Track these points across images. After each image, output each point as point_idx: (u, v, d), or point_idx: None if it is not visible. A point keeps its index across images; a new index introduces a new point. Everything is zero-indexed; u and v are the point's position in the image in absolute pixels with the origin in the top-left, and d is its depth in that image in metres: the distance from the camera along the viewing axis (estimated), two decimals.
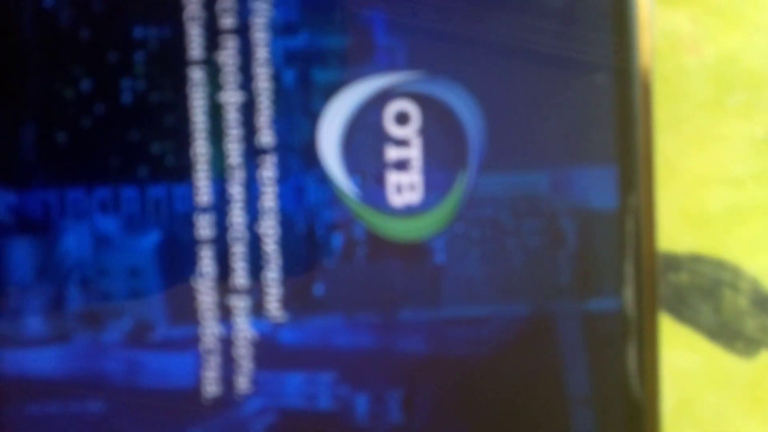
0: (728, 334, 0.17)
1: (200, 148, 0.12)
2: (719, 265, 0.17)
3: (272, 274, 0.13)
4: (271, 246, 0.13)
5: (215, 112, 0.12)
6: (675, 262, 0.16)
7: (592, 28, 0.13)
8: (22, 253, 0.12)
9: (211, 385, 0.13)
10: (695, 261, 0.16)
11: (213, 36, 0.12)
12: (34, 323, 0.12)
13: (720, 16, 0.16)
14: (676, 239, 0.16)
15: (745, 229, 0.16)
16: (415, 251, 0.13)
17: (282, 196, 0.13)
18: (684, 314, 0.16)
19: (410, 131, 0.13)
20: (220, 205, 0.13)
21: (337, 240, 0.13)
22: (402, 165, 0.13)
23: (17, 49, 0.12)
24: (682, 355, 0.16)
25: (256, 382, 0.13)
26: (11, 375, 0.12)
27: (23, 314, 0.12)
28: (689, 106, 0.16)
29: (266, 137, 0.13)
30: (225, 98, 0.12)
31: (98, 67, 0.12)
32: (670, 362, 0.16)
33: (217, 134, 0.12)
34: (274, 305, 0.13)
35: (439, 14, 0.13)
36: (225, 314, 0.13)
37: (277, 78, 0.13)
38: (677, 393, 0.16)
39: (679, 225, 0.16)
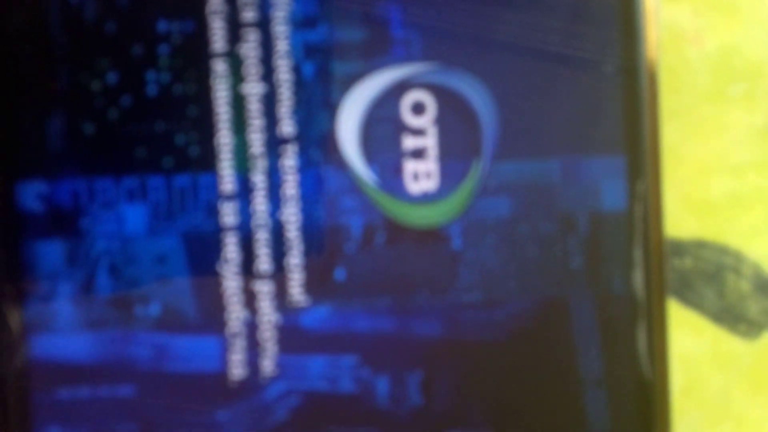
0: (732, 318, 0.17)
1: (224, 139, 0.13)
2: (722, 250, 0.17)
3: (295, 260, 0.13)
4: (293, 233, 0.13)
5: (238, 103, 0.13)
6: (680, 248, 0.17)
7: (600, 22, 0.14)
8: (51, 241, 0.12)
9: (236, 369, 0.13)
10: (699, 247, 0.17)
11: (235, 29, 0.13)
12: (65, 309, 0.13)
13: (721, 8, 0.17)
14: (681, 226, 0.17)
15: (746, 216, 0.17)
16: (431, 237, 0.13)
17: (303, 185, 0.13)
18: (689, 298, 0.17)
19: (426, 121, 0.13)
20: (244, 194, 0.13)
21: (357, 226, 0.13)
22: (418, 153, 0.13)
23: (45, 44, 0.12)
24: (688, 338, 0.17)
25: (280, 365, 0.13)
26: (43, 360, 0.13)
27: (54, 301, 0.13)
28: (692, 96, 0.17)
29: (287, 127, 0.13)
30: (247, 90, 0.13)
31: (124, 61, 0.13)
32: (676, 345, 0.17)
33: (239, 125, 0.13)
34: (296, 290, 0.13)
35: (453, 7, 0.13)
36: (249, 299, 0.13)
37: (297, 70, 0.13)
38: (683, 375, 0.17)
39: (683, 212, 0.17)
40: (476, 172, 0.13)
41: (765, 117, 0.17)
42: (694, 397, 0.17)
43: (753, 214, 0.17)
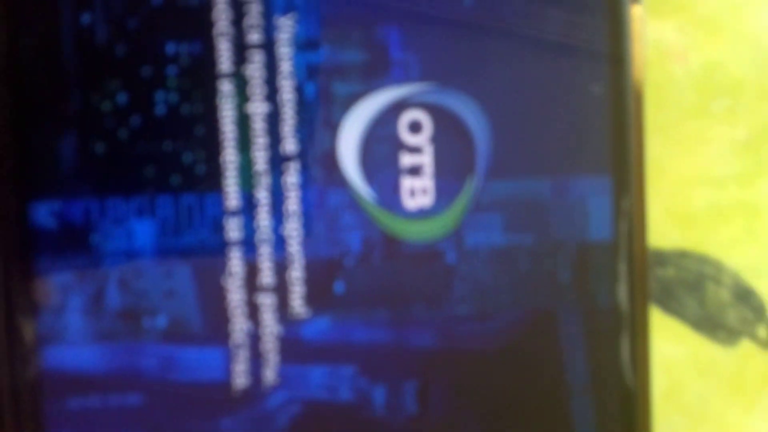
0: (711, 325, 0.18)
1: (229, 156, 0.13)
2: (703, 260, 0.18)
3: (296, 273, 0.14)
4: (295, 247, 0.14)
5: (243, 122, 0.13)
6: (662, 258, 0.18)
7: (588, 45, 0.14)
8: (63, 256, 0.13)
9: (240, 378, 0.14)
10: (681, 257, 0.18)
11: (240, 51, 0.13)
12: (76, 322, 0.13)
13: (704, 26, 0.17)
14: (663, 236, 0.18)
15: (727, 227, 0.18)
16: (427, 252, 0.14)
17: (305, 201, 0.14)
18: (671, 306, 0.18)
19: (422, 139, 0.14)
20: (248, 210, 0.13)
21: (356, 241, 0.14)
22: (415, 171, 0.14)
23: (58, 66, 0.13)
24: (669, 344, 0.18)
25: (281, 375, 0.14)
26: (55, 371, 0.13)
27: (65, 314, 0.13)
28: (676, 111, 0.17)
29: (290, 146, 0.13)
30: (252, 109, 0.13)
31: (133, 82, 0.13)
32: (658, 352, 0.17)
33: (244, 143, 0.13)
34: (297, 303, 0.14)
35: (450, 31, 0.14)
36: (252, 311, 0.14)
37: (299, 90, 0.13)
38: (665, 380, 0.17)
39: (666, 223, 0.18)
40: (470, 189, 0.14)
41: (746, 131, 0.18)
42: (675, 401, 0.18)
43: (733, 225, 0.18)
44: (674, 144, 0.17)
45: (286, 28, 0.13)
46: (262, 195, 0.13)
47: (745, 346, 0.18)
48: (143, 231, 0.13)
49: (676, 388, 0.17)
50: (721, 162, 0.18)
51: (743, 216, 0.18)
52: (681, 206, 0.18)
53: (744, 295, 0.18)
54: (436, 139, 0.14)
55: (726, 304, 0.18)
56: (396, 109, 0.14)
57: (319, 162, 0.14)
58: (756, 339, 0.18)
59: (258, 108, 0.13)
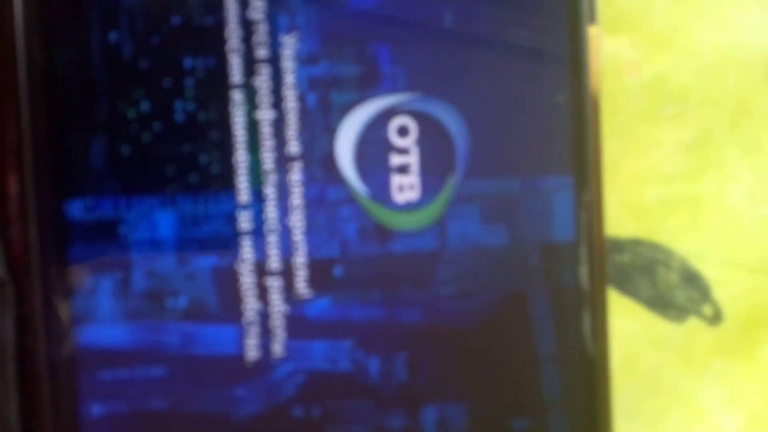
0: (662, 304, 0.20)
1: (240, 157, 0.15)
2: (654, 247, 0.20)
3: (300, 259, 0.15)
4: (299, 236, 0.15)
5: (252, 127, 0.15)
6: (619, 245, 0.20)
7: (553, 60, 0.16)
8: (95, 245, 0.15)
9: (251, 352, 0.15)
10: (635, 244, 0.20)
11: (250, 65, 0.15)
12: (106, 303, 0.15)
13: (655, 42, 0.20)
14: (620, 226, 0.20)
15: (675, 218, 0.20)
16: (413, 240, 0.16)
17: (307, 196, 0.15)
18: (626, 288, 0.20)
19: (410, 142, 0.16)
20: (257, 204, 0.15)
21: (352, 231, 0.16)
22: (403, 169, 0.16)
23: (88, 77, 0.14)
24: (625, 322, 0.20)
25: (288, 348, 0.16)
26: (88, 347, 0.15)
27: (97, 296, 0.15)
28: (629, 117, 0.20)
29: (294, 148, 0.15)
30: (260, 116, 0.15)
31: (155, 91, 0.15)
32: (615, 328, 0.19)
33: (254, 145, 0.15)
34: (302, 285, 0.15)
35: (432, 47, 0.16)
36: (262, 293, 0.15)
37: (302, 99, 0.15)
38: (621, 353, 0.20)
39: (622, 215, 0.20)
40: (451, 186, 0.16)
41: (691, 134, 0.20)
42: (630, 372, 0.20)
43: (680, 216, 0.20)
44: (628, 145, 0.20)
45: (289, 45, 0.15)
46: (270, 191, 0.15)
47: (693, 322, 0.20)
48: (165, 223, 0.15)
49: (631, 360, 0.20)
50: (669, 161, 0.20)
51: (689, 208, 0.20)
52: (634, 200, 0.20)
53: (691, 277, 0.20)
54: (421, 142, 0.16)
55: (675, 286, 0.20)
56: (386, 115, 0.16)
57: (319, 162, 0.15)
58: (702, 316, 0.20)
59: (265, 115, 0.15)
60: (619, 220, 0.20)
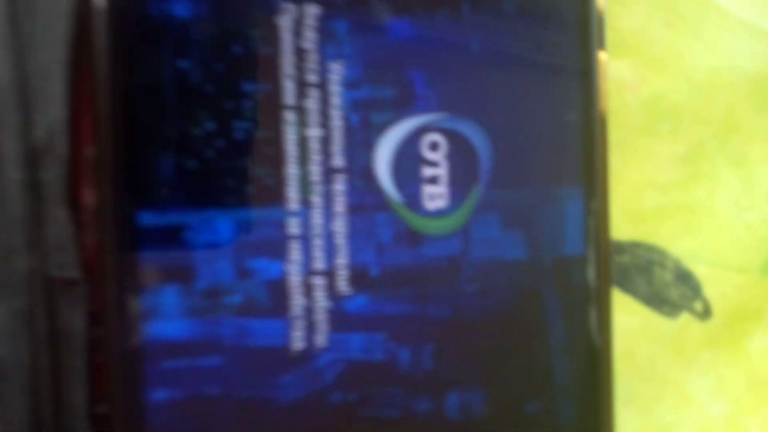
0: (658, 301, 0.22)
1: (291, 170, 0.17)
2: (651, 249, 0.22)
3: (341, 260, 0.17)
4: (340, 240, 0.17)
5: (302, 143, 0.17)
6: (619, 247, 0.22)
7: (566, 83, 0.18)
8: (162, 248, 0.16)
9: (297, 343, 0.17)
10: (634, 246, 0.22)
11: (301, 88, 0.17)
12: (170, 300, 0.17)
13: (653, 65, 0.22)
14: (620, 230, 0.22)
15: (669, 223, 0.22)
16: (441, 243, 0.18)
17: (348, 204, 0.17)
18: (626, 286, 0.22)
19: (439, 156, 0.18)
20: (305, 211, 0.17)
21: (387, 235, 0.18)
22: (433, 180, 0.18)
23: (160, 99, 0.16)
24: (625, 316, 0.22)
25: (329, 340, 0.17)
26: (154, 339, 0.16)
27: (162, 293, 0.16)
28: (629, 131, 0.22)
29: (338, 161, 0.17)
30: (309, 133, 0.17)
31: (218, 112, 0.17)
32: (616, 322, 0.21)
33: (303, 159, 0.17)
34: (342, 283, 0.17)
35: (461, 72, 0.18)
36: (308, 290, 0.17)
37: (346, 119, 0.17)
38: (620, 345, 0.22)
39: (622, 220, 0.22)
40: (475, 195, 0.18)
41: (685, 148, 0.22)
42: (629, 362, 0.22)
43: (675, 221, 0.22)
44: (628, 157, 0.22)
45: (336, 71, 0.17)
46: (316, 200, 0.17)
47: (685, 317, 0.22)
48: (224, 228, 0.17)
49: (630, 351, 0.22)
50: (664, 172, 0.22)
51: (682, 214, 0.22)
52: (633, 206, 0.22)
53: (683, 276, 0.22)
54: (450, 156, 0.18)
55: (669, 284, 0.22)
56: (419, 132, 0.18)
57: (360, 174, 0.17)
58: (693, 311, 0.22)
59: (313, 132, 0.17)
60: (620, 224, 0.22)
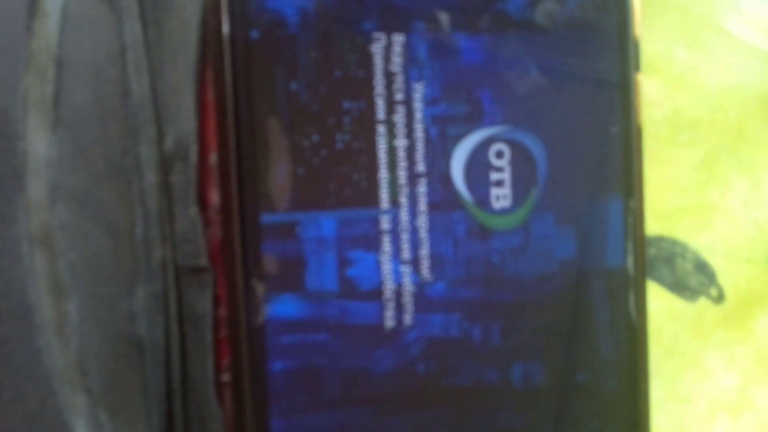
0: (680, 287, 0.25)
1: (382, 175, 0.20)
2: (674, 242, 0.25)
3: (424, 251, 0.20)
4: (423, 234, 0.20)
5: (391, 152, 0.20)
6: (647, 241, 0.25)
7: (609, 100, 0.21)
8: (279, 241, 0.19)
9: (388, 322, 0.20)
10: (659, 240, 0.25)
11: (390, 105, 0.20)
12: (288, 284, 0.19)
13: (675, 83, 0.25)
14: (647, 226, 0.25)
15: (689, 220, 0.25)
16: (506, 237, 0.21)
17: (429, 204, 0.20)
18: (652, 274, 0.25)
19: (504, 162, 0.21)
20: (393, 210, 0.20)
21: (461, 230, 0.21)
22: (499, 183, 0.21)
23: (274, 115, 0.19)
24: (652, 301, 0.25)
25: (415, 320, 0.20)
26: (274, 318, 0.19)
27: (281, 279, 0.19)
28: (654, 141, 0.25)
29: (420, 167, 0.20)
30: (397, 144, 0.20)
31: (322, 127, 0.20)
32: None
33: (392, 166, 0.20)
34: (425, 271, 0.20)
35: (521, 91, 0.21)
36: (397, 276, 0.20)
37: (427, 131, 0.20)
38: (649, 325, 0.25)
39: (649, 217, 0.25)
40: (534, 196, 0.21)
41: (702, 155, 0.25)
42: (655, 339, 0.25)
43: (693, 218, 0.25)
44: (654, 163, 0.25)
45: (419, 90, 0.20)
46: (403, 200, 0.20)
47: (702, 302, 0.25)
48: (328, 225, 0.20)
49: (656, 330, 0.25)
50: (684, 175, 0.25)
51: (700, 212, 0.25)
52: (658, 206, 0.25)
53: (701, 266, 0.25)
54: (513, 163, 0.21)
55: (689, 273, 0.25)
56: (487, 143, 0.21)
57: (438, 178, 0.20)
58: (709, 297, 0.25)
59: (400, 143, 0.20)
60: (647, 221, 0.25)
